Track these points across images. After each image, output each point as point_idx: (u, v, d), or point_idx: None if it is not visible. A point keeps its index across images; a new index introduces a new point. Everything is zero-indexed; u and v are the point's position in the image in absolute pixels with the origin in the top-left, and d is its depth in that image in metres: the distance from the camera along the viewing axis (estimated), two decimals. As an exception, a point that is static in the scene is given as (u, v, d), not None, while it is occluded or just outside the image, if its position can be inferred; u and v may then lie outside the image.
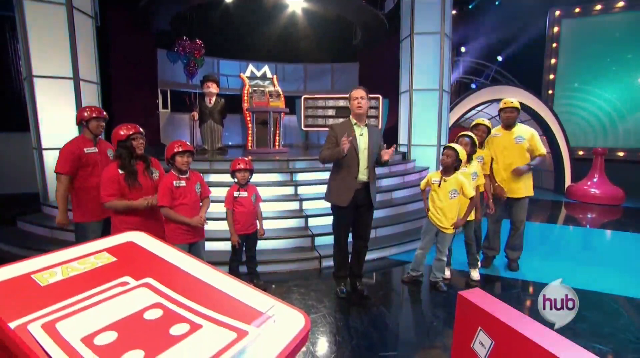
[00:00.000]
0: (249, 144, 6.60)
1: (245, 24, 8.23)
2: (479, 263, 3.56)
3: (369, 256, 3.78)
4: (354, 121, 2.89)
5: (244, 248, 3.11)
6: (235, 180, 3.06)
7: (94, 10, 5.61)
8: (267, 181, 4.63)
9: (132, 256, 1.32)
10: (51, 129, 5.12)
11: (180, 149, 2.59)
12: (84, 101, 5.31)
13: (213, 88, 6.43)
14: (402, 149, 6.79)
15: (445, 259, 3.22)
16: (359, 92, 2.84)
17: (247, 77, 7.11)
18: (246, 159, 3.05)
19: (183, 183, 2.61)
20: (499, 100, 7.80)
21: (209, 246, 3.58)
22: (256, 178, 4.57)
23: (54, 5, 4.96)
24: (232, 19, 8.11)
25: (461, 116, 7.87)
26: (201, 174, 2.89)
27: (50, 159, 5.12)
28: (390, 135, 7.41)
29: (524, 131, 3.57)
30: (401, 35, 6.80)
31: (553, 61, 8.54)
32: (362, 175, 2.87)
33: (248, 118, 6.59)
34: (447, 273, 3.47)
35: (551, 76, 8.59)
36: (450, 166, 3.03)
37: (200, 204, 2.72)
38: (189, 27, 6.88)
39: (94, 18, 5.62)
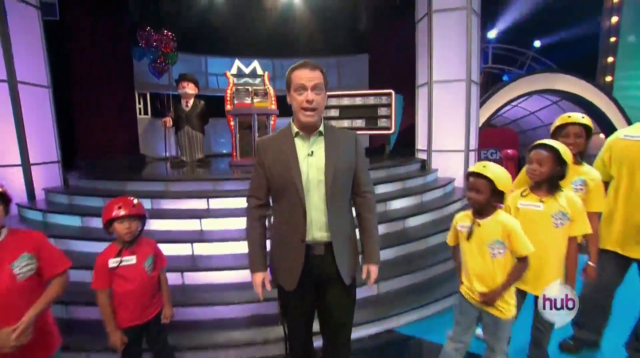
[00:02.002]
0: (234, 154, 5.50)
1: (236, 16, 7.16)
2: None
3: (367, 330, 2.55)
4: (294, 129, 1.55)
5: (140, 343, 1.84)
6: (115, 237, 1.78)
7: (39, -1, 4.64)
8: (231, 208, 3.43)
9: None
10: (-17, 144, 4.19)
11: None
12: (27, 108, 4.37)
13: (190, 89, 5.38)
14: (421, 156, 5.50)
15: None
16: (306, 74, 1.45)
17: (233, 74, 6.03)
18: (130, 199, 1.79)
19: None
20: (542, 91, 6.33)
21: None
22: (220, 204, 3.43)
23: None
24: (221, 11, 7.06)
25: (494, 114, 6.46)
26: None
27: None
28: (406, 139, 6.12)
29: None
30: (416, 15, 5.51)
31: (612, 39, 6.89)
32: (317, 231, 1.53)
33: (232, 123, 5.50)
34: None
35: (610, 59, 6.95)
36: (484, 205, 1.74)
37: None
38: (164, 19, 5.88)
39: (39, 8, 4.65)
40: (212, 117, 5.87)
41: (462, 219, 1.86)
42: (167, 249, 2.91)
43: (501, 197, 1.72)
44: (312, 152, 1.51)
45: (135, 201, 1.74)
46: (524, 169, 2.07)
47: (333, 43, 7.75)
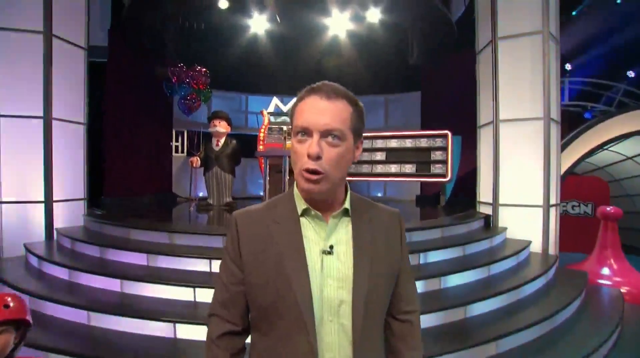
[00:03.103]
0: (266, 199, 4.95)
1: (278, 52, 7.00)
2: None
3: None
4: (302, 204, 0.85)
5: None
6: None
7: (87, 40, 4.74)
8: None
9: None
10: (12, 179, 4.12)
11: None
12: (59, 144, 4.32)
13: (221, 127, 5.07)
14: (484, 210, 4.46)
15: None
16: (318, 105, 0.79)
17: (269, 113, 5.67)
18: (3, 296, 1.12)
19: None
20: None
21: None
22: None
23: (28, 33, 4.12)
24: (263, 48, 6.95)
25: (579, 160, 5.22)
26: None
27: (11, 212, 4.06)
28: (464, 188, 5.13)
29: None
30: (477, 45, 4.75)
31: None
32: None
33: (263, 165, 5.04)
34: None
35: None
36: None
37: None
38: (204, 57, 5.81)
39: (87, 50, 4.74)
40: (249, 157, 5.50)
41: None
42: (143, 327, 2.29)
43: None
44: (330, 247, 0.83)
45: (12, 301, 1.11)
46: None
47: (381, 80, 7.19)
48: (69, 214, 4.39)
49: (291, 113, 0.86)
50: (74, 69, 4.60)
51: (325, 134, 0.78)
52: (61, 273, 2.93)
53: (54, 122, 4.28)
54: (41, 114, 4.19)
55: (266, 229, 0.85)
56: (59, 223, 4.24)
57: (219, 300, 0.89)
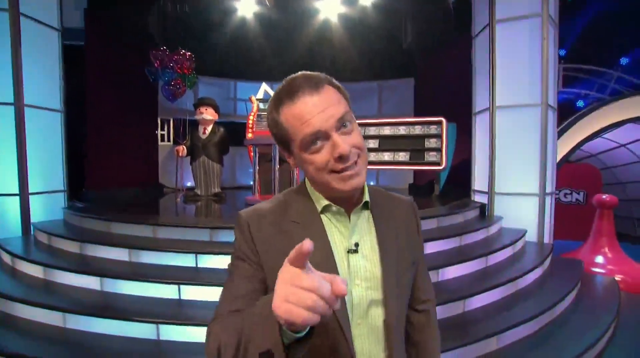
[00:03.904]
0: (256, 189, 4.77)
1: (268, 38, 6.72)
2: None
3: None
4: (321, 200, 0.77)
5: None
6: None
7: (60, 22, 4.41)
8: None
9: None
10: (-17, 172, 3.86)
11: None
12: (34, 133, 4.05)
13: (208, 114, 4.85)
14: (479, 198, 4.38)
15: None
16: (312, 104, 0.69)
17: (259, 99, 5.44)
18: None
19: None
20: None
21: None
22: (215, 262, 2.61)
23: (-8, 11, 3.79)
24: (252, 33, 6.66)
25: (574, 148, 5.17)
26: None
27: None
28: (457, 177, 5.04)
29: None
30: (473, 28, 4.59)
31: None
32: None
33: (252, 154, 4.84)
34: None
35: None
36: None
37: None
38: (191, 42, 5.51)
39: (60, 31, 4.42)
40: (238, 145, 5.29)
41: None
42: (123, 329, 2.13)
43: None
44: (355, 245, 0.77)
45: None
46: None
47: (374, 66, 6.98)
48: (48, 208, 4.16)
49: (277, 125, 0.74)
50: (47, 52, 4.29)
51: (339, 125, 0.70)
52: (36, 271, 2.74)
53: (27, 109, 4.01)
54: (11, 100, 3.91)
55: (284, 230, 0.76)
56: (37, 216, 4.01)
57: (227, 307, 0.72)
